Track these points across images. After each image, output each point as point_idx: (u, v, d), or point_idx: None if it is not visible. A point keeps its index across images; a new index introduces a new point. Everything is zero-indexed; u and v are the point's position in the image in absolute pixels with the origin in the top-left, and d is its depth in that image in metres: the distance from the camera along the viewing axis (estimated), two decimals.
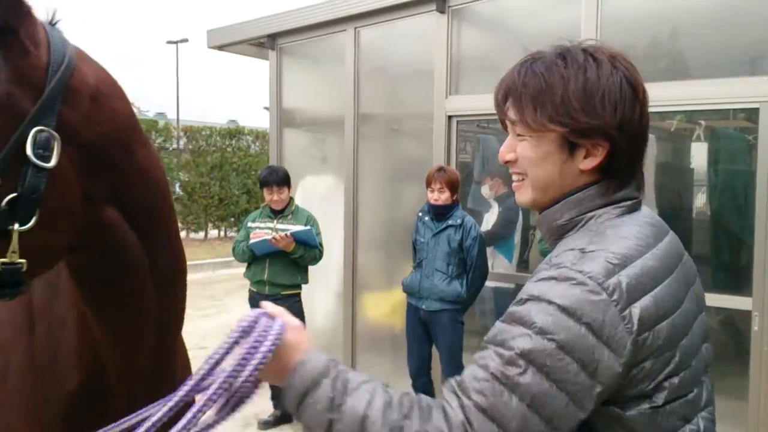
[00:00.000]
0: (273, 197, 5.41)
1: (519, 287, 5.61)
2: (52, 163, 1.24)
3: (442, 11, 5.50)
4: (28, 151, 1.21)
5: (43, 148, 1.23)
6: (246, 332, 1.26)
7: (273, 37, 6.74)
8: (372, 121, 6.38)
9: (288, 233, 5.17)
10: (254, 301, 5.44)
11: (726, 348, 4.91)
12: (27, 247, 1.23)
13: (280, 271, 5.34)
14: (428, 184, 4.83)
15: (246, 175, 18.98)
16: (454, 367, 4.82)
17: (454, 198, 4.82)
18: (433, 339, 4.91)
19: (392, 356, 5.98)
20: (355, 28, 6.12)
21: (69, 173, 1.30)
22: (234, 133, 19.55)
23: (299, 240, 5.23)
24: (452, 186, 4.77)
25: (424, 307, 4.81)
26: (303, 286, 5.54)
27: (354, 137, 6.23)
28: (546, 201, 1.37)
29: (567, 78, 1.28)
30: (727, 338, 4.93)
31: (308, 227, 5.36)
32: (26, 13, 1.24)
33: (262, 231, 5.31)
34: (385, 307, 6.31)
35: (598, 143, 1.28)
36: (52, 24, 1.37)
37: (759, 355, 4.15)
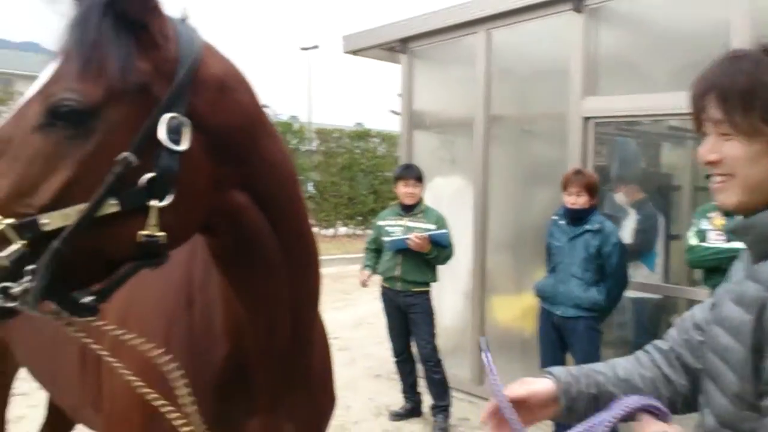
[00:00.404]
0: (408, 189, 5.53)
1: (666, 299, 5.40)
2: (183, 146, 1.35)
3: (578, 10, 5.35)
4: (161, 135, 1.33)
5: (174, 133, 1.35)
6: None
7: (405, 41, 6.83)
8: (502, 123, 6.31)
9: (426, 234, 5.29)
10: (386, 297, 5.63)
11: None
12: (163, 223, 1.35)
13: (412, 269, 5.44)
14: (564, 187, 4.71)
15: (373, 176, 19.40)
16: None
17: (592, 202, 4.67)
18: (568, 346, 4.78)
19: (522, 361, 5.89)
20: (487, 29, 6.08)
21: (199, 157, 1.40)
22: (362, 135, 20.01)
23: (434, 241, 5.33)
24: (590, 189, 4.63)
25: (558, 312, 4.70)
26: (432, 284, 5.62)
27: (484, 139, 6.19)
28: (753, 204, 1.29)
29: None
30: None
31: (444, 230, 5.42)
32: (153, 9, 1.37)
33: (398, 229, 5.50)
34: (515, 311, 6.23)
35: None
36: (183, 21, 1.50)
37: None
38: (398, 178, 5.63)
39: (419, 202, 5.63)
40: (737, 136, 1.27)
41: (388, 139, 20.05)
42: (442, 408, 5.57)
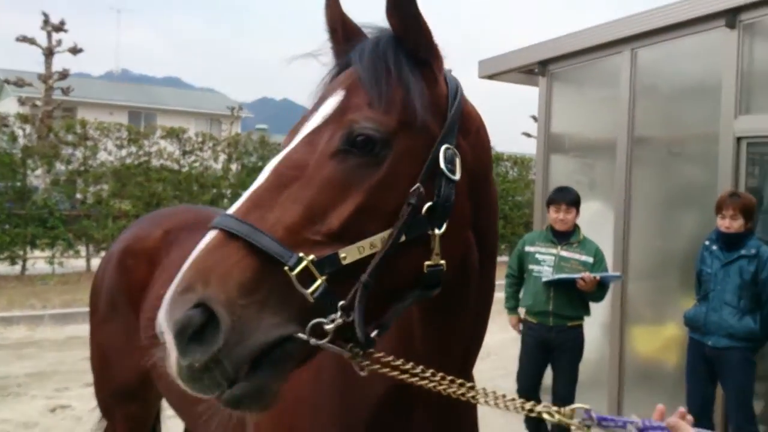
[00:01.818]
0: (559, 216, 5.13)
1: None
2: (457, 176, 1.42)
3: (732, 26, 5.13)
4: (442, 164, 1.39)
5: (450, 163, 1.41)
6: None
7: (544, 64, 6.78)
8: (647, 144, 6.11)
9: (597, 276, 4.90)
10: (533, 332, 5.19)
11: None
12: (442, 251, 1.40)
13: (566, 303, 5.04)
14: (718, 210, 4.48)
15: (503, 201, 19.17)
16: (744, 412, 4.40)
17: (747, 226, 4.41)
18: (719, 379, 4.51)
19: (664, 395, 5.59)
20: (632, 49, 5.93)
21: (463, 189, 1.47)
22: (493, 159, 19.90)
23: (602, 283, 5.00)
24: (747, 212, 4.37)
25: (710, 343, 4.45)
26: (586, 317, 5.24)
27: (627, 161, 6.01)
28: None
29: None
30: None
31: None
32: (436, 48, 1.49)
33: (549, 258, 5.13)
34: (657, 342, 5.95)
35: None
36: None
37: None
38: (550, 202, 5.26)
39: (575, 230, 5.22)
40: None
41: (520, 162, 19.81)
42: None
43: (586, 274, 4.84)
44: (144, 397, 3.07)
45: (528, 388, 5.19)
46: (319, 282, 1.23)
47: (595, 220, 6.33)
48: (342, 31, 1.55)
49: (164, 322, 1.15)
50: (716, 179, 5.23)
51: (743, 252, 4.36)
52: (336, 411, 1.71)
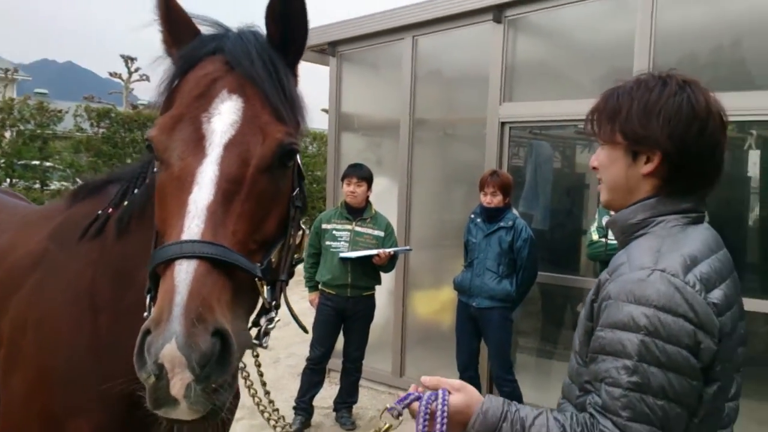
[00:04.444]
0: (350, 189, 5.46)
1: (572, 289, 5.77)
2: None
3: (498, 21, 5.70)
4: (301, 166, 1.73)
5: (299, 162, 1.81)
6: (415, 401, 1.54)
7: (334, 45, 7.01)
8: (426, 126, 6.60)
9: (391, 252, 5.35)
10: (330, 303, 5.47)
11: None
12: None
13: (362, 275, 5.44)
14: (481, 187, 5.04)
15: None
16: (501, 362, 5.02)
17: (506, 201, 5.02)
18: (483, 335, 5.11)
19: (440, 351, 6.18)
20: (413, 36, 6.36)
21: None
22: None
23: (394, 255, 5.46)
24: (505, 189, 4.97)
25: (474, 304, 5.01)
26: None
27: (409, 141, 6.47)
28: (618, 202, 1.63)
29: (634, 99, 1.56)
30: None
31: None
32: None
33: (345, 234, 5.46)
34: (435, 305, 6.53)
35: (653, 151, 1.54)
36: None
37: None
38: (344, 176, 5.58)
39: (367, 206, 5.60)
40: (604, 145, 1.63)
41: (319, 138, 20.08)
42: (350, 404, 5.79)
43: (381, 251, 5.27)
44: None
45: (321, 357, 5.56)
46: (266, 286, 1.45)
47: (384, 196, 6.74)
48: (167, 16, 1.64)
49: (182, 350, 1.22)
50: (484, 159, 5.83)
51: (502, 224, 4.96)
52: (92, 385, 1.79)
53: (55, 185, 15.67)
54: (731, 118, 4.89)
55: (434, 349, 6.40)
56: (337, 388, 5.89)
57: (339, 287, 5.45)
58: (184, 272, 1.30)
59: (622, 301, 1.41)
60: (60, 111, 16.21)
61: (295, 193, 1.59)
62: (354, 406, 5.88)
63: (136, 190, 1.89)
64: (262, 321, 1.50)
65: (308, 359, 5.59)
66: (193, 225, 1.35)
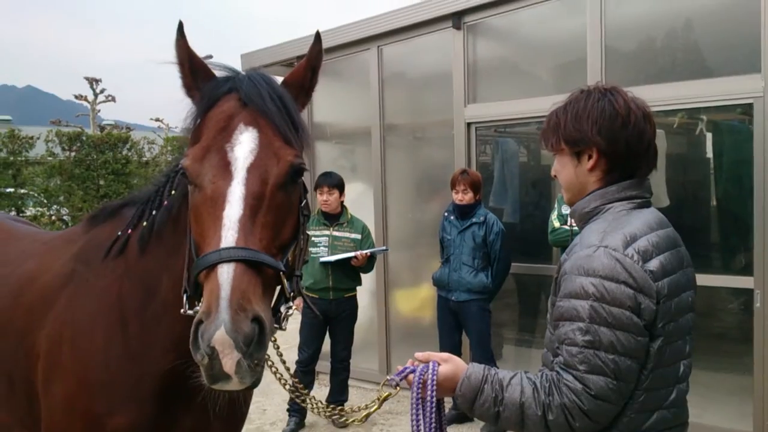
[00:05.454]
0: (323, 198, 5.62)
1: (545, 278, 6.03)
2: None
3: (458, 27, 5.97)
4: (306, 180, 2.03)
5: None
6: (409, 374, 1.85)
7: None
8: (397, 131, 6.85)
9: (368, 252, 5.56)
10: (316, 306, 5.48)
11: (732, 326, 5.26)
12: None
13: (342, 277, 5.64)
14: (453, 185, 5.30)
15: None
16: (483, 350, 5.27)
17: (476, 197, 5.28)
18: (463, 327, 5.37)
19: (424, 346, 6.29)
20: (378, 46, 6.61)
21: None
22: None
23: (372, 256, 5.68)
24: (475, 187, 5.24)
25: (453, 298, 5.27)
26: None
27: (381, 146, 6.72)
28: (576, 198, 1.94)
29: (567, 111, 1.90)
30: (732, 317, 5.25)
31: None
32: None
33: (324, 239, 5.64)
34: (415, 302, 6.77)
35: (591, 148, 1.87)
36: None
37: (762, 330, 4.53)
38: (316, 186, 5.72)
39: (343, 211, 5.78)
40: (555, 155, 1.97)
41: None
42: (341, 402, 5.92)
43: (359, 253, 5.46)
44: None
45: (309, 359, 5.72)
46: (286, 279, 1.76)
47: (360, 200, 6.95)
48: (189, 65, 1.93)
49: (230, 335, 1.50)
50: (453, 159, 6.09)
51: (474, 220, 5.23)
52: (124, 388, 2.07)
53: (30, 211, 15.64)
54: (682, 106, 5.21)
55: (418, 345, 6.55)
56: (327, 389, 6.08)
57: (321, 291, 5.62)
58: (225, 273, 1.58)
59: (575, 274, 1.71)
60: (32, 138, 16.21)
61: (303, 204, 1.89)
62: (345, 404, 6.09)
63: (154, 212, 2.14)
64: (282, 308, 1.81)
65: (297, 362, 5.77)
66: (229, 235, 1.64)
